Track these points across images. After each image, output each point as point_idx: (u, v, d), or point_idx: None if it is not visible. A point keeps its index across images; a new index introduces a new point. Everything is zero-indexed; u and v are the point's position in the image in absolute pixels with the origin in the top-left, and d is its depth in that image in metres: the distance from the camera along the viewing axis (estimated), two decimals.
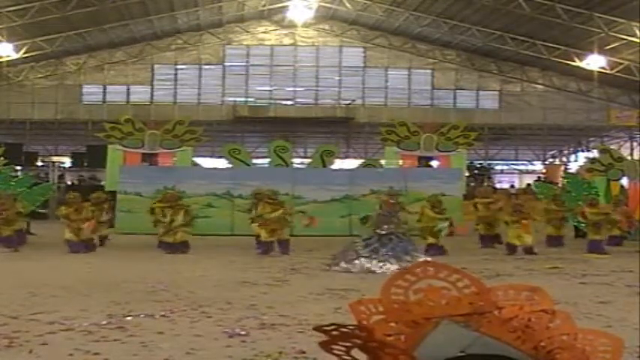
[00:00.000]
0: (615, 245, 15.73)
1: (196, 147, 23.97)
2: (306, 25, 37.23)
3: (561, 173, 31.62)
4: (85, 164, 31.70)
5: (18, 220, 14.75)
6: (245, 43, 38.33)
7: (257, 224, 13.94)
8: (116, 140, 22.28)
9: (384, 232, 11.66)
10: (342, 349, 2.24)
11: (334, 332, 2.17)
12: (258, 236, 13.97)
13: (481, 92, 38.80)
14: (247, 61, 38.49)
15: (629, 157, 37.27)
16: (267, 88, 38.50)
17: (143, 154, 22.40)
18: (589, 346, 2.41)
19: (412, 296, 2.33)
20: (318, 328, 2.19)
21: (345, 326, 2.19)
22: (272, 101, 38.15)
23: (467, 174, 28.50)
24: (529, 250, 13.77)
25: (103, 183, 26.95)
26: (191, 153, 23.24)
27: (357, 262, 11.11)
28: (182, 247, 13.67)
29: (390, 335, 2.32)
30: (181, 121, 23.24)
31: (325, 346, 2.22)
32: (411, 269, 2.37)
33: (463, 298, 2.30)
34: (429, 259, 10.98)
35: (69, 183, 31.16)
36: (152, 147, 22.30)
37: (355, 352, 2.24)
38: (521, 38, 32.50)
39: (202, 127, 24.43)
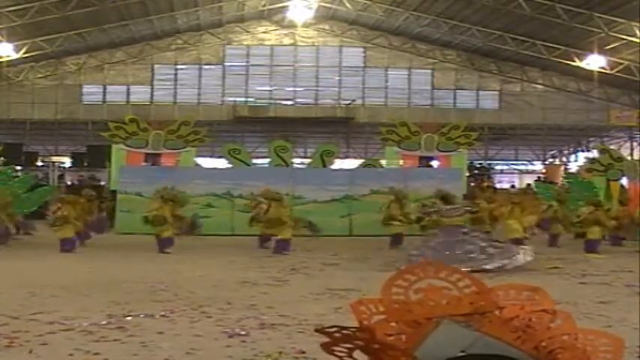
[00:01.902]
0: (615, 245, 15.73)
1: (197, 147, 24.01)
2: (306, 25, 37.23)
3: (561, 173, 31.64)
4: (85, 164, 31.72)
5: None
6: (245, 43, 38.33)
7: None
8: (120, 140, 22.31)
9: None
10: (344, 350, 2.24)
11: (336, 334, 2.17)
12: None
13: (481, 92, 38.81)
14: (247, 61, 38.49)
15: (629, 157, 37.36)
16: (267, 88, 38.50)
17: (146, 154, 22.42)
18: (590, 346, 2.41)
19: (413, 296, 2.33)
20: (320, 330, 2.19)
21: (346, 328, 2.19)
22: (272, 101, 38.15)
23: (467, 174, 28.48)
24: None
25: (103, 183, 27.01)
26: (194, 153, 23.30)
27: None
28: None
29: (390, 335, 2.32)
30: (186, 121, 23.26)
31: (327, 347, 2.22)
32: (411, 269, 2.37)
33: (464, 297, 2.30)
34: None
35: (69, 183, 31.15)
36: (156, 147, 22.33)
37: (356, 353, 2.24)
38: (521, 38, 32.50)
39: (206, 127, 24.47)
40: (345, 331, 2.18)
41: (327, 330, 2.19)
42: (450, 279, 2.29)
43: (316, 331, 2.25)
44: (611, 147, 39.47)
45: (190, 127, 22.82)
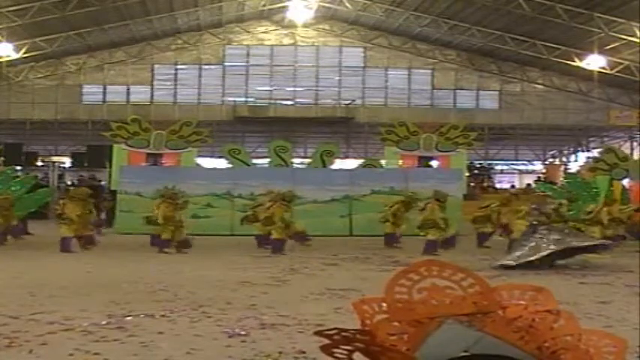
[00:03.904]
0: (615, 245, 15.69)
1: (198, 147, 24.04)
2: (306, 25, 37.22)
3: (561, 173, 31.64)
4: (85, 164, 31.71)
5: None
6: (245, 43, 38.32)
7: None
8: (122, 140, 22.35)
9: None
10: (344, 352, 2.23)
11: (336, 337, 2.16)
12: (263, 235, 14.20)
13: (481, 92, 38.81)
14: (247, 61, 38.48)
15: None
16: (267, 88, 38.49)
17: (148, 154, 22.46)
18: (593, 347, 2.40)
19: (416, 295, 2.32)
20: (320, 333, 2.18)
21: (346, 330, 2.18)
22: (272, 101, 38.15)
23: (467, 174, 28.48)
24: None
25: (103, 183, 27.02)
26: (195, 153, 23.33)
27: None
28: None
29: (393, 334, 2.31)
30: (188, 122, 23.31)
31: (327, 350, 2.21)
32: (414, 268, 2.35)
33: (467, 297, 2.29)
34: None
35: (69, 183, 31.14)
36: (158, 147, 22.36)
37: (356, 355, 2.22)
38: (521, 38, 32.49)
39: (208, 128, 24.53)
40: (344, 334, 2.17)
41: (327, 332, 2.19)
42: (453, 278, 2.28)
43: (316, 333, 2.24)
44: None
45: (192, 127, 22.88)
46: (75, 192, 15.00)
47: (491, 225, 15.74)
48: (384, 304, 2.39)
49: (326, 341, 2.22)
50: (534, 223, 12.36)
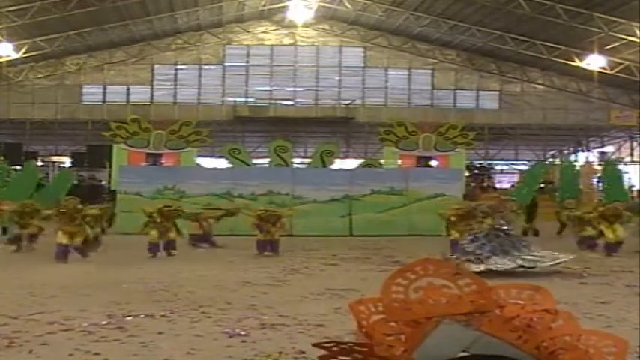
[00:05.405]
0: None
1: (198, 147, 24.07)
2: (306, 25, 37.25)
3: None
4: (85, 164, 31.75)
5: None
6: (245, 43, 38.35)
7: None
8: (121, 140, 22.39)
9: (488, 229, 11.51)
10: None
11: (334, 348, 2.16)
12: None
13: (481, 92, 38.82)
14: (247, 61, 38.51)
15: (628, 158, 37.32)
16: (267, 88, 38.52)
17: (148, 154, 22.50)
18: (593, 348, 2.39)
19: (412, 294, 2.31)
20: (318, 345, 2.18)
21: (344, 343, 2.18)
22: (272, 101, 38.17)
23: (467, 174, 28.49)
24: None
25: (103, 183, 27.06)
26: (195, 153, 23.37)
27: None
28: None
29: (390, 335, 2.30)
30: (188, 122, 23.36)
31: None
32: (410, 267, 2.35)
33: (464, 296, 2.28)
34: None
35: None
36: (157, 147, 22.40)
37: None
38: (521, 38, 32.51)
39: (208, 128, 24.57)
40: (342, 346, 2.17)
41: (326, 345, 2.19)
42: (450, 277, 2.28)
43: (314, 345, 2.25)
44: (611, 147, 39.59)
45: (192, 127, 22.92)
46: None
47: None
48: (381, 304, 2.38)
49: (324, 351, 2.23)
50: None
